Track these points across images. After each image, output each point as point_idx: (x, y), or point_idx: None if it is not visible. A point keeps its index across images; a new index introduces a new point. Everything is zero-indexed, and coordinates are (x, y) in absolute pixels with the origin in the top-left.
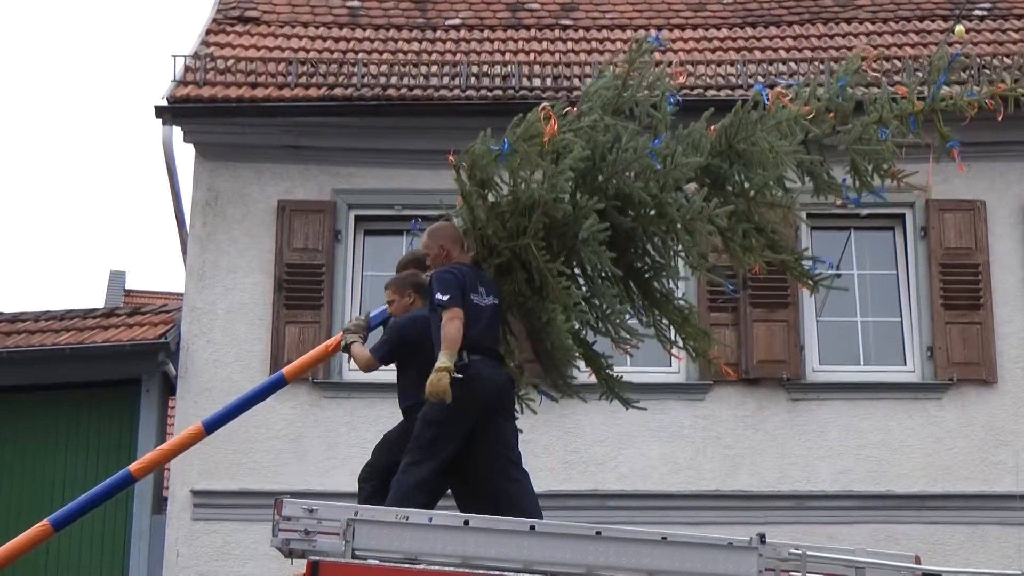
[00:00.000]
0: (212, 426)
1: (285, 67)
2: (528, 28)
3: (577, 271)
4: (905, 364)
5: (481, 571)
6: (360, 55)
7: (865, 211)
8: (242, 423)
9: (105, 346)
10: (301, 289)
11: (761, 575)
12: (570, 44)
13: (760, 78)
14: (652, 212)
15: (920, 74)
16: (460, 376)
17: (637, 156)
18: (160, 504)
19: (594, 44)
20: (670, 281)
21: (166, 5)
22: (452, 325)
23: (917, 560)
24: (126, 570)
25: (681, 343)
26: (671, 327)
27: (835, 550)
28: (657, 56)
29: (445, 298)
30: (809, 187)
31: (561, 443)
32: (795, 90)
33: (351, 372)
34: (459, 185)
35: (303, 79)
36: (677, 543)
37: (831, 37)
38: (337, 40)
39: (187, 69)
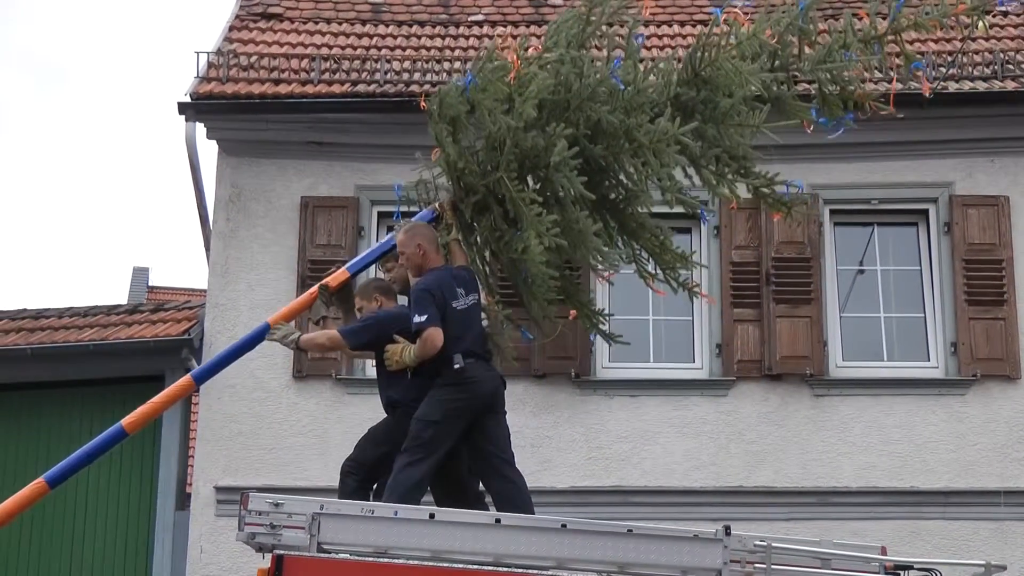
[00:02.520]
0: (201, 378)
1: (308, 63)
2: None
3: (553, 202)
4: (929, 360)
5: (446, 564)
6: (383, 51)
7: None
8: (266, 420)
9: (129, 342)
10: None
11: (727, 566)
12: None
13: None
14: (621, 138)
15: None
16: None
17: (601, 80)
18: (184, 500)
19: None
20: (644, 207)
21: (190, 2)
22: (427, 345)
23: (883, 551)
24: (150, 566)
25: (663, 276)
26: (651, 260)
27: (801, 542)
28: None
29: (422, 319)
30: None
31: (584, 439)
32: (756, 16)
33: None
34: (433, 129)
35: (326, 75)
36: (643, 535)
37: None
38: (360, 36)
39: (210, 66)
